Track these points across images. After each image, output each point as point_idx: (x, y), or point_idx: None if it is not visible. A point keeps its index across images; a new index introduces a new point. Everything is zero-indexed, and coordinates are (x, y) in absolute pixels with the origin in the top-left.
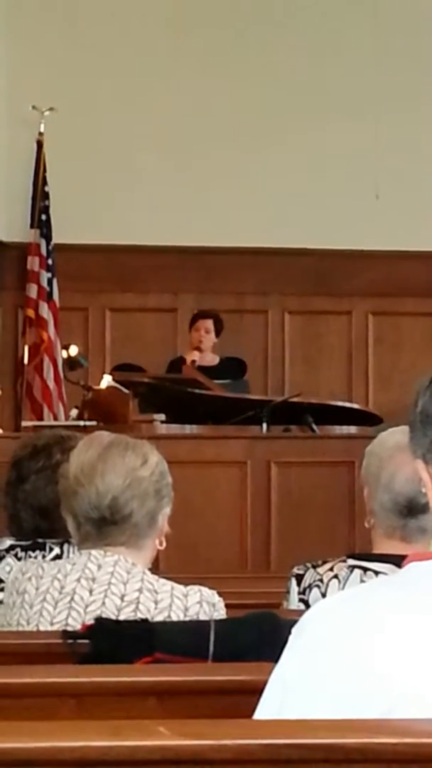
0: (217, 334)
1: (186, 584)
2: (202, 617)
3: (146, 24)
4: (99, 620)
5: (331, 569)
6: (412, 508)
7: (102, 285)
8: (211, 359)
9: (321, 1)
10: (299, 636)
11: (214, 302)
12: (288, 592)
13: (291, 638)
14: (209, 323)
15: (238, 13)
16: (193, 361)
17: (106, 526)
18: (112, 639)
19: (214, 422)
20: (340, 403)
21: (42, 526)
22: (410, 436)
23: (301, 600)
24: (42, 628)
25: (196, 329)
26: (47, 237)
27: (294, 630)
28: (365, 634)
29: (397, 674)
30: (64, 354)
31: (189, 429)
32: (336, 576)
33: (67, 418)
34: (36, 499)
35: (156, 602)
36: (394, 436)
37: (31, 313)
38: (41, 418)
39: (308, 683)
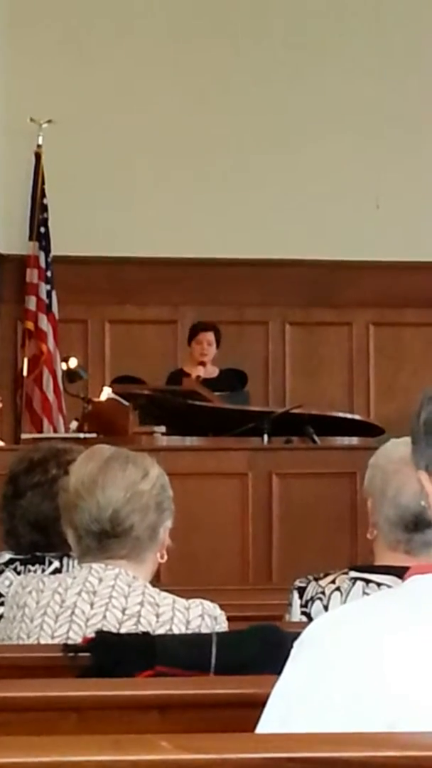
0: (218, 345)
1: (187, 597)
2: (204, 630)
3: (145, 35)
4: (100, 633)
5: (333, 581)
6: (418, 523)
7: (101, 297)
8: (212, 371)
9: (322, 10)
10: (302, 649)
11: (215, 314)
12: (290, 604)
13: (293, 651)
14: (211, 336)
15: (237, 24)
16: (198, 376)
17: (107, 540)
18: (114, 652)
19: (214, 434)
20: (341, 414)
21: (39, 541)
22: (413, 447)
23: (303, 613)
24: (43, 642)
25: (197, 342)
26: (46, 249)
27: (296, 643)
28: (369, 648)
29: (401, 688)
30: (64, 366)
31: (189, 441)
32: (338, 588)
33: (66, 430)
34: (32, 514)
35: (157, 615)
36: (399, 449)
37: (30, 325)
38: (41, 431)
39: (311, 697)
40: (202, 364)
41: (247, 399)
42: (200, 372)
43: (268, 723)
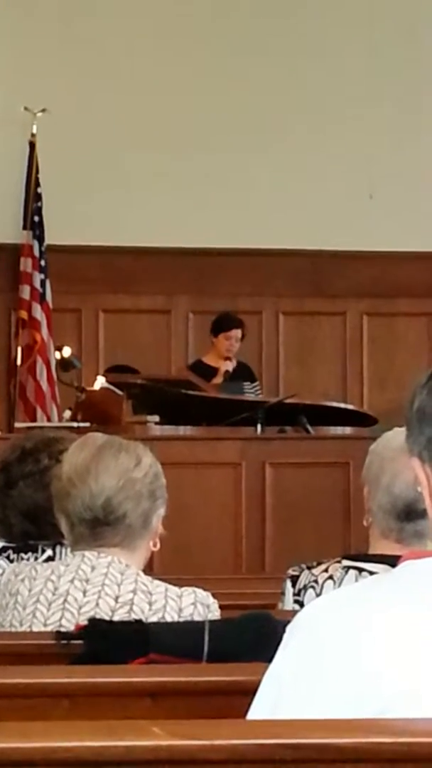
0: (242, 339)
1: (180, 585)
2: (197, 618)
3: (140, 24)
4: (92, 621)
5: (326, 570)
6: (410, 513)
7: (95, 286)
8: (232, 363)
9: (316, 3)
10: (293, 635)
11: (208, 304)
12: (283, 593)
13: (285, 637)
14: (239, 333)
15: (233, 15)
16: (227, 371)
17: (100, 527)
18: (106, 640)
19: (208, 424)
20: (334, 404)
21: (30, 531)
22: (407, 434)
23: (296, 601)
24: (35, 629)
25: (227, 337)
26: (40, 238)
27: (288, 629)
28: (359, 632)
29: (392, 672)
30: (57, 355)
31: (183, 430)
32: (331, 577)
33: (60, 419)
34: (24, 504)
35: (150, 603)
36: (399, 438)
37: (23, 314)
38: (34, 420)
39: (303, 682)
40: (228, 359)
41: (242, 390)
42: (228, 367)
43: (260, 708)
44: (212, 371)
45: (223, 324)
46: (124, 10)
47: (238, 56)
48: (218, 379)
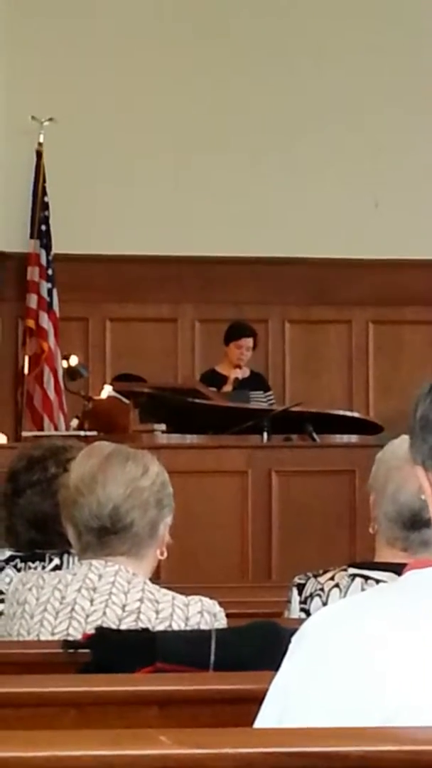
0: (254, 349)
1: (187, 594)
2: (203, 627)
3: (145, 34)
4: (100, 630)
5: (332, 578)
6: (415, 522)
7: (102, 295)
8: (243, 371)
9: (319, 9)
10: (300, 644)
11: (214, 312)
12: (289, 601)
13: (291, 646)
14: (251, 341)
15: (237, 25)
16: (236, 378)
17: (107, 536)
18: (113, 648)
19: (214, 432)
20: (340, 412)
21: (38, 540)
22: (410, 443)
23: (302, 609)
24: (43, 638)
25: (238, 346)
26: (47, 247)
27: (294, 638)
28: (366, 642)
29: (398, 682)
30: (65, 364)
31: (190, 439)
32: (337, 585)
33: (67, 428)
34: (31, 512)
35: (157, 612)
36: (405, 446)
37: (31, 323)
38: (42, 429)
39: (309, 691)
40: (239, 367)
41: (248, 398)
42: (238, 374)
43: (266, 717)
44: (224, 380)
45: (233, 333)
46: (129, 20)
47: (244, 66)
48: (228, 387)
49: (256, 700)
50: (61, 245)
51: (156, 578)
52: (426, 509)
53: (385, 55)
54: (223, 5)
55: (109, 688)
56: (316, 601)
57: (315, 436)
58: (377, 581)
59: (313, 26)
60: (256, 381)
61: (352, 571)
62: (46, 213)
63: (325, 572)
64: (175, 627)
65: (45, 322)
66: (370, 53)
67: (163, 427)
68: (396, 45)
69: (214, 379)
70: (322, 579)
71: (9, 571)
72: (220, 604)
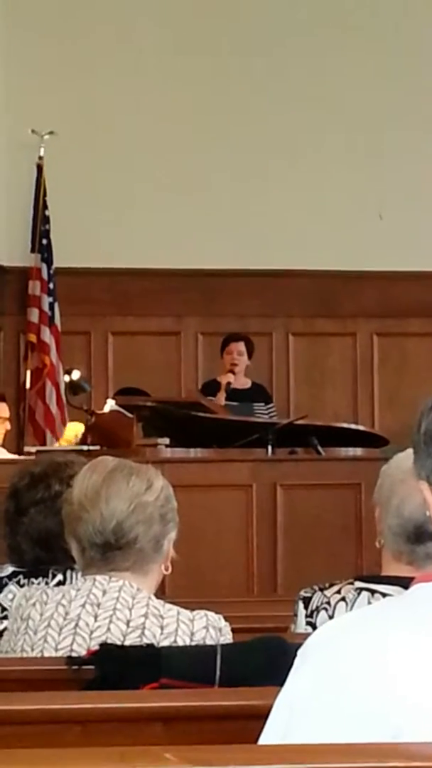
0: (249, 356)
1: (192, 609)
2: (209, 642)
3: (144, 47)
4: (104, 646)
5: (339, 592)
6: (420, 535)
7: (104, 309)
8: (244, 382)
9: (322, 19)
10: (305, 659)
11: (218, 325)
12: (295, 615)
13: (297, 661)
14: (241, 345)
15: (237, 36)
16: (228, 384)
17: (111, 551)
18: (118, 664)
19: (218, 446)
20: (345, 425)
21: (42, 557)
22: (414, 457)
23: (308, 623)
24: (47, 654)
25: (228, 352)
26: (48, 261)
27: (300, 653)
28: (372, 656)
29: (406, 696)
30: (67, 378)
31: (194, 453)
32: (343, 599)
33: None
34: (35, 531)
35: (162, 627)
36: (408, 460)
37: (32, 337)
38: (44, 443)
39: (315, 706)
40: (232, 372)
41: (252, 412)
42: (230, 378)
43: (272, 734)
44: (219, 387)
45: (223, 341)
46: (129, 34)
47: (246, 79)
48: (221, 394)
49: (262, 715)
50: (62, 259)
51: (161, 593)
52: (430, 523)
53: (388, 69)
54: (224, 18)
55: (114, 705)
56: (323, 614)
57: (320, 449)
58: (384, 595)
59: (316, 40)
60: (257, 393)
61: (358, 584)
62: (47, 227)
63: (331, 586)
64: (180, 642)
65: (47, 336)
66: (374, 68)
67: (166, 440)
68: (399, 59)
69: (212, 387)
70: (328, 592)
71: (12, 587)
72: (226, 618)
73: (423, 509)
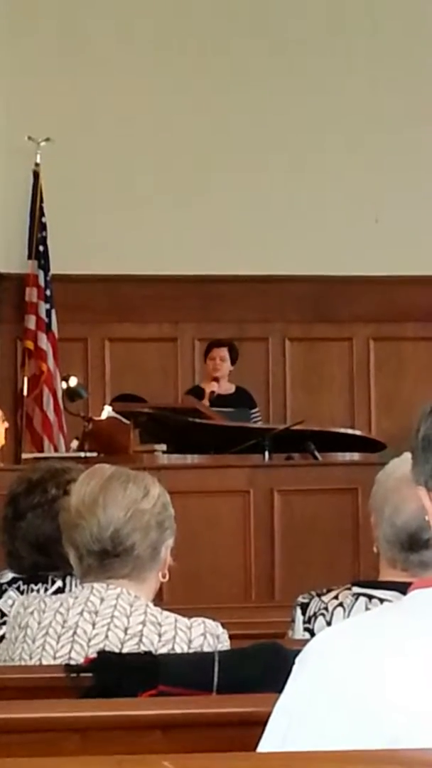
0: (233, 362)
1: (190, 616)
2: (206, 649)
3: (143, 53)
4: (102, 653)
5: (336, 597)
6: (413, 543)
7: (101, 315)
8: (227, 388)
9: (319, 26)
10: (303, 666)
11: (215, 331)
12: (293, 621)
13: (295, 668)
14: (224, 351)
15: (237, 44)
16: (212, 392)
17: (108, 559)
18: (116, 672)
19: (216, 452)
20: (342, 430)
21: (40, 562)
22: (412, 463)
23: (306, 629)
24: (45, 663)
25: (210, 358)
26: (45, 268)
27: (297, 660)
28: (370, 663)
29: (403, 703)
30: (64, 385)
31: (191, 459)
32: (341, 604)
33: (67, 449)
34: (33, 536)
35: (159, 635)
36: (402, 467)
37: (29, 344)
38: (41, 450)
39: (313, 714)
40: (215, 380)
41: (254, 417)
42: (214, 387)
43: (270, 740)
44: (203, 395)
45: (207, 348)
46: (126, 38)
47: (244, 85)
48: (205, 401)
49: (260, 722)
50: (59, 266)
51: (159, 600)
52: (425, 530)
53: (384, 74)
54: (223, 25)
55: (112, 713)
56: (320, 620)
57: (317, 454)
58: (381, 600)
59: (314, 45)
60: (241, 398)
61: (356, 590)
62: (44, 233)
63: (328, 591)
64: (178, 650)
65: (44, 343)
66: (370, 72)
67: (163, 447)
68: (398, 62)
69: (196, 394)
70: (326, 598)
71: (12, 593)
72: (223, 625)
73: (416, 517)
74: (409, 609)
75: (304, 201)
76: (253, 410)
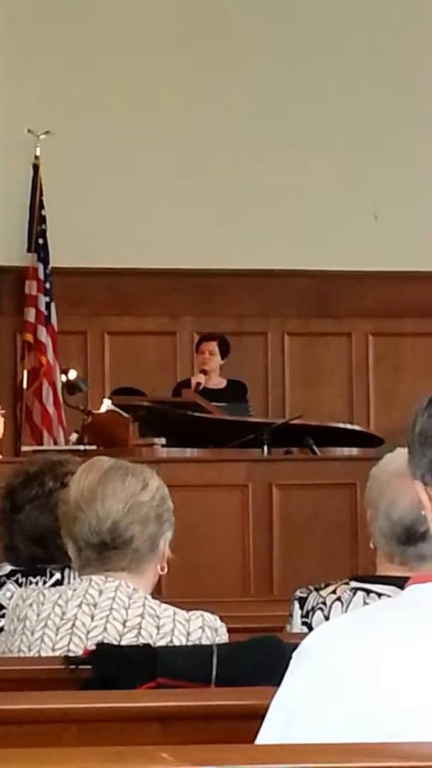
0: (223, 355)
1: (188, 609)
2: (205, 642)
3: (142, 47)
4: (101, 646)
5: (334, 592)
6: (410, 537)
7: (100, 308)
8: (218, 382)
9: (320, 22)
10: (301, 660)
11: (214, 325)
12: (291, 615)
13: (292, 662)
14: (213, 345)
15: (238, 40)
16: (198, 384)
17: (107, 551)
18: (114, 664)
19: (214, 445)
20: (341, 425)
21: (38, 555)
22: (409, 457)
23: (304, 623)
24: (44, 655)
25: (200, 352)
26: (45, 261)
27: (295, 654)
28: (367, 657)
29: (401, 697)
30: (63, 378)
31: (190, 452)
32: (339, 598)
33: (66, 442)
34: (31, 528)
35: (158, 627)
36: (395, 461)
37: (29, 337)
38: (41, 443)
39: (311, 707)
40: (204, 372)
41: (248, 410)
42: (200, 379)
43: (268, 734)
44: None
45: (198, 341)
46: (126, 33)
47: (241, 77)
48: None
49: (258, 715)
50: (58, 259)
51: (157, 593)
52: (421, 523)
53: (385, 70)
54: (224, 21)
55: (111, 705)
56: (318, 614)
57: (315, 449)
58: (379, 595)
59: (314, 42)
60: (232, 392)
61: (354, 584)
62: (44, 226)
63: (326, 586)
64: (177, 642)
65: (43, 336)
66: (372, 68)
67: (162, 440)
68: (398, 59)
69: (184, 387)
70: (323, 592)
71: (10, 585)
72: (222, 618)
73: (412, 511)
74: (407, 604)
75: (304, 196)
76: (244, 403)
